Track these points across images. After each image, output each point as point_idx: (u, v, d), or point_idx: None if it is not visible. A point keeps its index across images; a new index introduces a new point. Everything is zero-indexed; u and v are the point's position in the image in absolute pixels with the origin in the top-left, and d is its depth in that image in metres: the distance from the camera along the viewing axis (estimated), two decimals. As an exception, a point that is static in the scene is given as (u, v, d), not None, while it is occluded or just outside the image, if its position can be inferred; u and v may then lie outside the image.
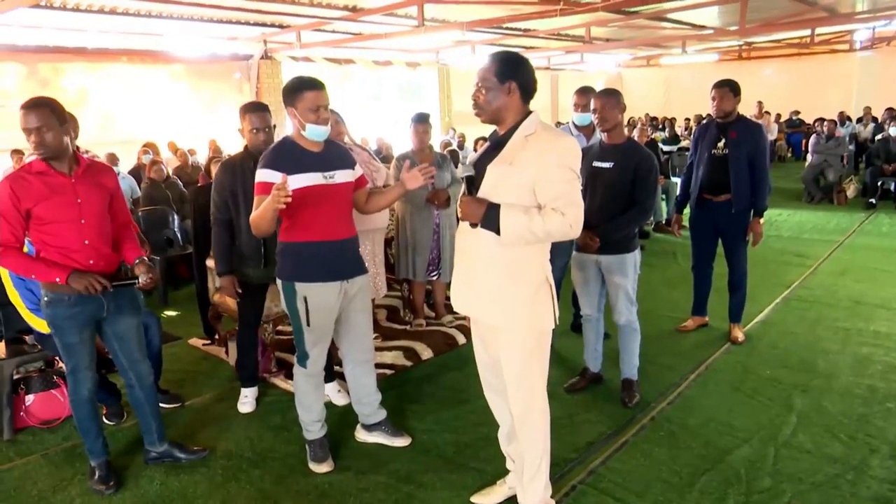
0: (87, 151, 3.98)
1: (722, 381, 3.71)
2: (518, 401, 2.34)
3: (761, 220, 4.11)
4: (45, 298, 2.63)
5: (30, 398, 3.41)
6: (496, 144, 2.27)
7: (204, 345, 4.58)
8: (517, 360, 2.30)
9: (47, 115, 2.48)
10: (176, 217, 6.32)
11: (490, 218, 2.16)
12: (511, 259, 2.22)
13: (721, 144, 4.04)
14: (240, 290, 3.38)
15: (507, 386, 2.35)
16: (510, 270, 2.23)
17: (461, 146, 11.79)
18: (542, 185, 2.13)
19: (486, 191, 2.22)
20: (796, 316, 4.74)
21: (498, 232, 2.14)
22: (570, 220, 2.12)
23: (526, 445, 2.37)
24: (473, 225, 2.23)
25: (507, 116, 2.23)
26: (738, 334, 4.28)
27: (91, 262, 2.64)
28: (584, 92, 4.06)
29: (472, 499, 2.66)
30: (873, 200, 9.01)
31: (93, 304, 2.68)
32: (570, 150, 2.16)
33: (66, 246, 2.59)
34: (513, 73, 2.18)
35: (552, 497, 2.50)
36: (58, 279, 2.54)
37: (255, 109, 3.34)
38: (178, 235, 6.20)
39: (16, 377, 3.43)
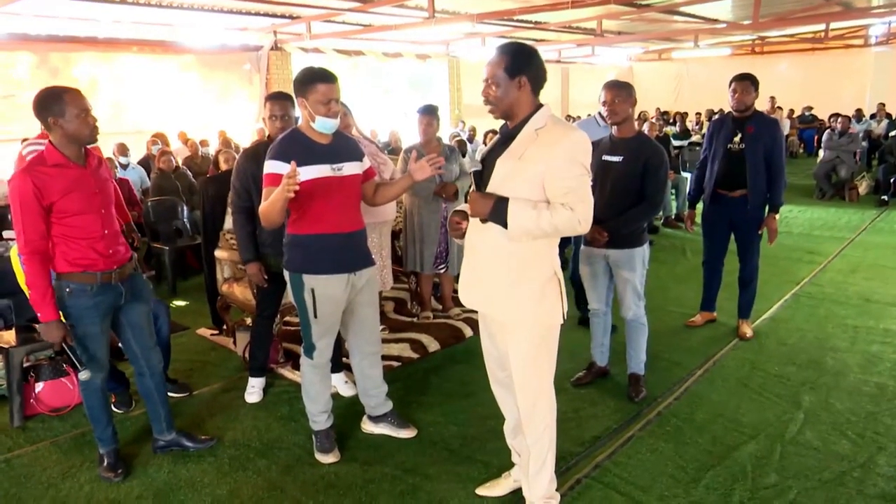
0: None
1: (729, 377, 3.70)
2: (525, 395, 2.34)
3: (776, 216, 4.09)
4: (67, 289, 2.61)
5: (39, 386, 3.44)
6: (506, 138, 2.25)
7: (212, 335, 4.61)
8: (525, 354, 2.29)
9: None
10: (185, 207, 6.35)
11: (498, 211, 2.14)
12: (520, 254, 2.21)
13: (737, 139, 4.00)
14: (266, 276, 3.37)
15: (514, 380, 2.35)
16: (519, 265, 2.22)
17: (471, 139, 11.76)
18: (551, 179, 2.11)
19: (495, 185, 2.20)
20: (805, 313, 4.72)
21: (505, 225, 2.14)
22: (578, 216, 2.10)
23: (532, 439, 2.37)
24: (483, 220, 2.22)
25: (518, 111, 2.21)
26: (747, 330, 4.26)
27: (110, 251, 2.67)
28: None
29: (478, 491, 2.67)
30: (885, 198, 8.93)
31: (113, 292, 2.71)
32: (580, 144, 2.14)
33: (91, 237, 2.60)
34: (523, 67, 2.16)
35: (557, 490, 2.50)
36: (39, 314, 2.55)
37: (275, 98, 3.35)
38: (188, 226, 6.23)
39: (26, 365, 3.46)
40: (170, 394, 3.46)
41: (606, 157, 3.32)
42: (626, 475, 2.77)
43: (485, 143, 10.29)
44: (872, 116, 14.10)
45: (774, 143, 3.97)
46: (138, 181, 7.21)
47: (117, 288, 2.72)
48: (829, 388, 3.51)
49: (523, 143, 2.17)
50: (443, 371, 3.91)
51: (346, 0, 8.80)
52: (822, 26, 12.50)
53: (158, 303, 3.63)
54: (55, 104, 2.49)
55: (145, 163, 8.14)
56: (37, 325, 3.52)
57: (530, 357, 2.29)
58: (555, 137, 2.13)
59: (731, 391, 3.52)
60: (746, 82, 3.95)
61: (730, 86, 4.01)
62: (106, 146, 7.51)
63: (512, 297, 2.25)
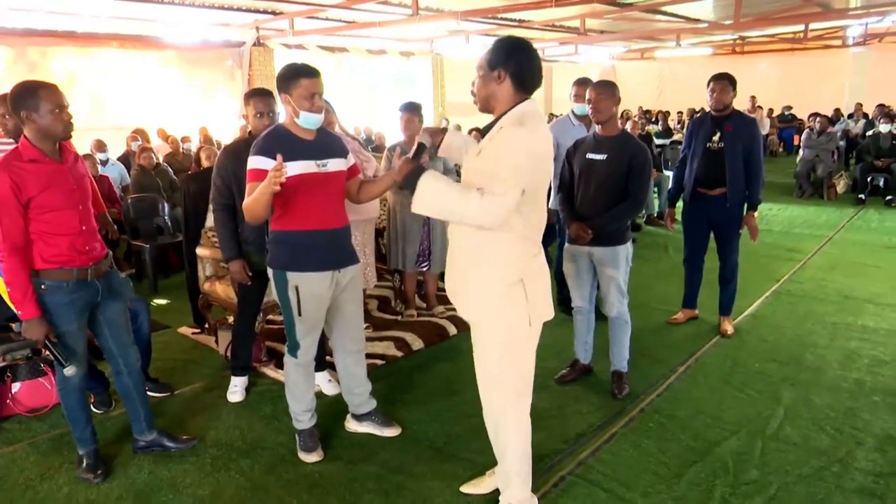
0: None
1: (711, 373, 3.73)
2: (492, 399, 2.32)
3: (755, 214, 4.13)
4: (42, 286, 2.57)
5: (16, 386, 3.39)
6: (483, 135, 2.25)
7: (193, 333, 4.56)
8: (488, 356, 2.27)
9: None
10: (166, 205, 6.27)
11: (412, 178, 2.16)
12: (486, 255, 2.18)
13: (716, 138, 4.04)
14: (250, 273, 3.34)
15: (479, 383, 2.33)
16: (483, 263, 2.19)
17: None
18: (493, 171, 2.09)
19: (464, 182, 2.22)
20: (786, 310, 4.77)
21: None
22: (485, 204, 2.03)
23: (503, 447, 2.35)
24: (400, 187, 2.28)
25: (497, 105, 2.18)
26: (728, 327, 4.30)
27: (87, 247, 2.64)
28: (584, 83, 4.09)
29: (462, 489, 2.66)
30: (863, 196, 9.07)
31: (90, 288, 2.67)
32: (526, 140, 2.06)
33: (68, 233, 2.57)
34: (503, 60, 2.13)
35: (541, 489, 2.50)
36: (20, 313, 2.53)
37: (259, 94, 3.33)
38: (169, 223, 6.16)
39: (2, 365, 3.39)
40: (151, 393, 3.42)
41: (590, 155, 3.33)
42: (609, 472, 2.78)
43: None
44: (850, 116, 14.30)
45: (753, 141, 4.01)
46: (118, 178, 7.11)
47: (94, 285, 2.68)
48: (809, 385, 3.55)
49: (486, 141, 2.16)
50: (427, 369, 3.90)
51: (329, -4, 8.75)
52: (801, 27, 12.66)
53: (139, 301, 3.59)
54: (29, 98, 2.46)
55: (125, 159, 8.02)
56: (13, 325, 3.47)
57: (493, 359, 2.26)
58: (507, 134, 2.08)
59: (712, 388, 3.56)
60: (724, 82, 3.99)
61: (708, 85, 4.05)
62: (85, 142, 7.41)
63: (475, 296, 2.23)
